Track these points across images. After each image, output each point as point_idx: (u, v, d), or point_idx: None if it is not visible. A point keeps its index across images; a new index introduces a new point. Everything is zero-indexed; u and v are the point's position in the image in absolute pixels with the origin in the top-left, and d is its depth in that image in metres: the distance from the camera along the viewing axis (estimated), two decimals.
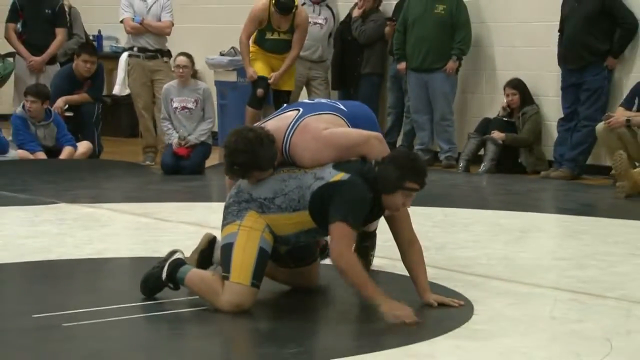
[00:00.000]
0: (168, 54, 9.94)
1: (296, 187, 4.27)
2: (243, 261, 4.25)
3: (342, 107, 4.60)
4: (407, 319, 4.06)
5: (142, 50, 9.88)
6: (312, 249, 4.66)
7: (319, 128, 4.37)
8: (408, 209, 4.38)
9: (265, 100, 9.71)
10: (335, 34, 10.28)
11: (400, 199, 4.24)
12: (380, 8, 10.29)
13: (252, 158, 4.28)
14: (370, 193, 4.22)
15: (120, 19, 10.03)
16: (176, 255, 4.49)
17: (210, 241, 4.71)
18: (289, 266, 4.59)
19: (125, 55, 9.98)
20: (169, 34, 10.00)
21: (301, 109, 4.47)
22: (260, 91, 9.48)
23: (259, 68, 9.51)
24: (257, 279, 4.28)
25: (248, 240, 4.27)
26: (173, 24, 9.99)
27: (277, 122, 4.46)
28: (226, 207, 4.39)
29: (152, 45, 9.90)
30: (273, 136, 4.34)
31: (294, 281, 4.67)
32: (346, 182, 4.20)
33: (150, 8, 9.92)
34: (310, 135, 4.35)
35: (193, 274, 4.41)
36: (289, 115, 4.46)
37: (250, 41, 9.62)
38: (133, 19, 9.88)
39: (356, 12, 10.16)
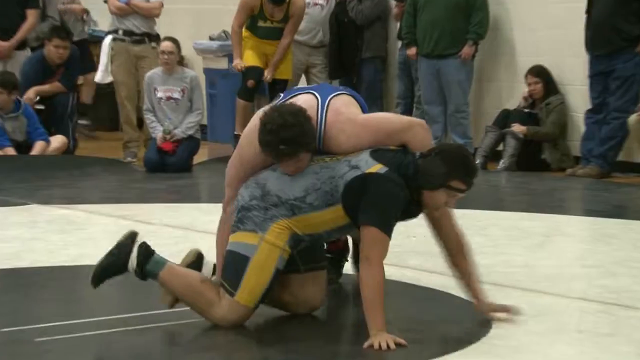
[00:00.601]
0: (156, 38, 9.91)
1: (329, 178, 4.16)
2: (256, 284, 4.19)
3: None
4: (389, 348, 3.98)
5: (127, 33, 9.88)
6: (321, 249, 4.55)
7: (354, 112, 4.32)
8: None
9: (257, 92, 9.74)
10: (331, 16, 10.28)
11: (443, 197, 4.16)
12: None
13: (301, 133, 4.13)
14: (405, 190, 4.12)
15: None
16: (139, 239, 4.38)
17: (198, 256, 4.56)
18: (299, 270, 4.40)
19: (108, 39, 9.97)
20: (158, 15, 10.00)
21: (315, 92, 4.37)
22: (251, 82, 9.51)
23: (250, 57, 9.54)
24: (262, 300, 4.25)
25: (267, 259, 4.19)
26: (162, 5, 9.98)
27: (300, 103, 4.32)
28: (246, 209, 4.24)
29: (139, 28, 9.90)
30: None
31: (300, 295, 4.42)
32: (381, 178, 4.10)
33: None
34: (345, 117, 4.27)
35: (173, 272, 4.33)
36: (307, 97, 4.33)
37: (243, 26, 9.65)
38: None
39: None
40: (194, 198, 8.34)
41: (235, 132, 9.77)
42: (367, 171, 4.13)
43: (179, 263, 4.53)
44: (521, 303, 4.73)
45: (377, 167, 4.13)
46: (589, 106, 9.18)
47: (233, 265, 4.24)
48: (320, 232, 4.25)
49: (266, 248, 4.19)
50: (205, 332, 4.28)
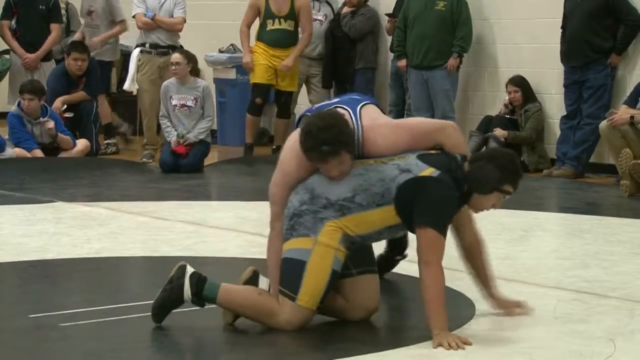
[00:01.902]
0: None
1: (378, 180, 3.96)
2: (316, 286, 3.97)
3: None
4: (458, 347, 3.82)
5: (153, 46, 9.91)
6: (370, 252, 4.27)
7: (386, 117, 4.19)
8: None
9: (264, 108, 9.85)
10: (326, 32, 10.29)
11: (493, 200, 4.04)
12: (369, 2, 10.32)
13: (340, 132, 3.95)
14: (456, 193, 3.98)
15: (133, 14, 10.06)
16: (190, 269, 4.10)
17: (254, 273, 4.26)
18: (352, 274, 4.14)
19: (137, 51, 10.03)
20: (180, 30, 10.03)
21: (342, 105, 4.18)
22: (259, 100, 9.62)
23: (259, 74, 9.58)
24: (322, 302, 4.04)
25: (323, 261, 3.97)
26: (185, 21, 10.01)
27: None
28: (297, 215, 4.02)
29: (163, 42, 9.93)
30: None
31: (355, 300, 4.16)
32: (436, 180, 3.94)
33: (162, 4, 9.94)
34: (381, 120, 4.13)
35: (230, 290, 4.09)
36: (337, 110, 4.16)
37: (253, 38, 9.66)
38: (145, 14, 9.89)
39: (346, 9, 10.21)
40: (205, 196, 8.33)
41: (246, 142, 9.85)
42: (421, 174, 3.95)
43: (239, 281, 4.27)
44: (503, 291, 4.73)
45: (430, 171, 3.95)
46: (563, 113, 9.17)
47: (291, 272, 4.00)
48: (371, 232, 4.03)
49: (320, 250, 3.97)
50: (218, 318, 4.26)
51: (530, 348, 3.89)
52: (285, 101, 9.83)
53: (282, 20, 9.54)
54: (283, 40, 9.59)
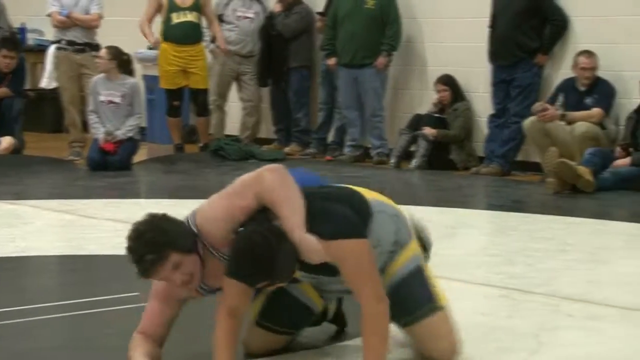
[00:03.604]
0: (97, 47, 9.82)
1: None
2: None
3: None
4: None
5: (70, 43, 9.79)
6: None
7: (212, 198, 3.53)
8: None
9: (181, 108, 9.98)
10: (261, 29, 10.30)
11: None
12: (304, 0, 10.34)
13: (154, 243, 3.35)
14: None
15: (47, 13, 9.91)
16: None
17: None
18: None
19: (52, 48, 9.89)
20: (97, 26, 9.91)
21: None
22: (176, 103, 9.78)
23: (169, 81, 9.77)
24: (264, 319, 3.68)
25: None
26: (102, 17, 9.89)
27: None
28: None
29: (80, 39, 9.81)
30: None
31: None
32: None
33: (78, 1, 9.81)
34: (205, 205, 3.51)
35: None
36: None
37: (159, 36, 9.71)
38: (60, 12, 9.77)
39: (277, 7, 10.21)
40: (134, 194, 8.27)
41: (175, 143, 9.90)
42: None
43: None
44: None
45: None
46: (491, 111, 9.27)
47: None
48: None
49: None
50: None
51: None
52: (203, 99, 9.93)
53: (186, 12, 9.60)
54: (190, 34, 9.68)
